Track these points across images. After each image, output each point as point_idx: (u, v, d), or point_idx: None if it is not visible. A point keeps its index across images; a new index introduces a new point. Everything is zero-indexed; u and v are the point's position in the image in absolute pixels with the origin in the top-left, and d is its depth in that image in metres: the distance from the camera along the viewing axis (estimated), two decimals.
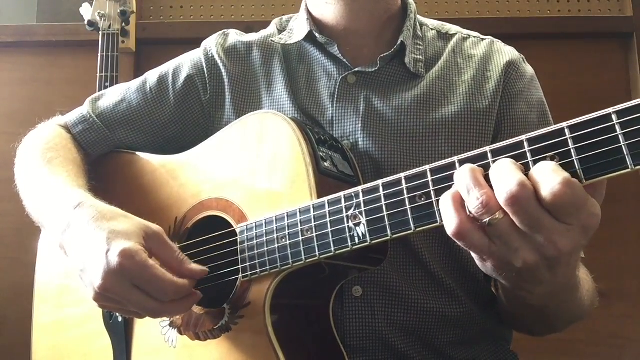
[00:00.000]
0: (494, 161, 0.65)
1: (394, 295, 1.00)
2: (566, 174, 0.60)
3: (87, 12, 1.90)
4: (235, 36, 1.22)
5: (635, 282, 2.03)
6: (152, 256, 0.83)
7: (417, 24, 1.16)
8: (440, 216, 0.69)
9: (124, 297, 0.82)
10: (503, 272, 0.68)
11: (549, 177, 0.60)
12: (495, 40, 1.17)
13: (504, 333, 1.12)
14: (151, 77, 1.20)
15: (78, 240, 0.88)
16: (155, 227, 0.87)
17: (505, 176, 0.62)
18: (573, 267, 0.75)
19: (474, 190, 0.63)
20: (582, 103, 1.98)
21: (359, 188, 0.78)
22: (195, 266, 0.87)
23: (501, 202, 0.62)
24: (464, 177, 0.65)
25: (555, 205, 0.60)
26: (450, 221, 0.65)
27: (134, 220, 0.88)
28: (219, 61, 1.17)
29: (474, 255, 0.68)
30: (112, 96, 1.21)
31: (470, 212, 0.64)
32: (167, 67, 1.21)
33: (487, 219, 0.63)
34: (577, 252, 0.68)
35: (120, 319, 1.03)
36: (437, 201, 0.69)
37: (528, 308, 0.88)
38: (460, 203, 0.65)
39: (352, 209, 0.77)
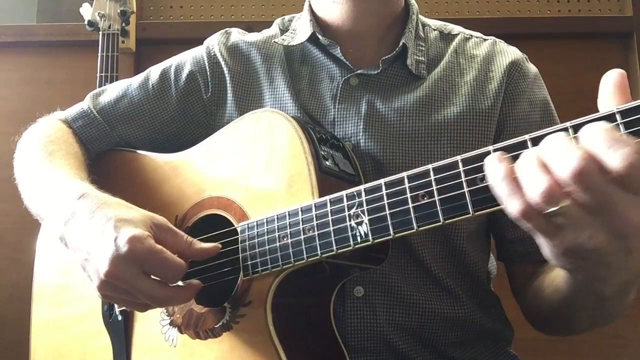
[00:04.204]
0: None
1: (395, 295, 1.00)
2: (630, 141, 0.54)
3: (87, 12, 1.90)
4: (237, 35, 1.22)
5: None
6: (160, 243, 0.83)
7: (420, 25, 1.16)
8: (443, 215, 0.69)
9: (132, 284, 0.82)
10: (576, 259, 0.63)
11: (612, 145, 0.54)
12: (497, 40, 1.17)
13: (504, 333, 1.12)
14: (153, 73, 1.20)
15: (83, 228, 0.87)
16: (160, 217, 0.88)
17: (563, 153, 0.56)
18: None
19: (536, 176, 0.57)
20: (582, 103, 1.97)
21: (361, 187, 0.78)
22: (205, 245, 0.88)
23: (564, 181, 0.56)
24: (525, 161, 0.59)
25: (626, 176, 0.54)
26: (512, 204, 0.59)
27: (139, 210, 0.88)
28: (221, 59, 1.17)
29: (541, 242, 0.63)
30: (113, 92, 1.20)
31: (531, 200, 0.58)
32: (170, 64, 1.20)
33: (552, 209, 0.57)
34: None
35: (119, 317, 1.03)
36: (440, 200, 0.69)
37: (598, 303, 0.81)
38: (520, 184, 0.59)
39: (354, 207, 0.77)
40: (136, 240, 0.80)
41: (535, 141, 0.62)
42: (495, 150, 0.65)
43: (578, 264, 0.65)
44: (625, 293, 0.77)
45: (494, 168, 0.61)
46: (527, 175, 0.58)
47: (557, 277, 0.91)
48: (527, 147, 0.62)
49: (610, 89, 0.59)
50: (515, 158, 0.61)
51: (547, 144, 0.58)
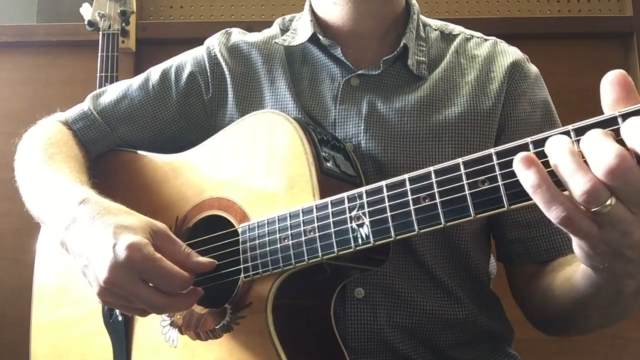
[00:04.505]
0: (498, 163, 0.65)
1: (395, 297, 1.00)
2: None
3: (87, 12, 1.90)
4: (238, 35, 1.22)
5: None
6: (158, 251, 0.83)
7: (420, 25, 1.16)
8: (444, 217, 0.69)
9: (130, 292, 0.82)
10: (613, 260, 0.62)
11: None
12: (498, 40, 1.17)
13: (505, 334, 1.12)
14: (154, 74, 1.20)
15: (83, 235, 0.87)
16: (160, 224, 0.87)
17: (601, 148, 0.55)
18: None
19: (577, 175, 0.56)
20: (582, 103, 1.98)
21: (363, 189, 0.77)
22: (202, 259, 0.87)
23: (601, 178, 0.55)
24: (563, 159, 0.57)
25: None
26: (552, 208, 0.58)
27: (139, 217, 0.88)
28: (221, 59, 1.17)
29: (579, 242, 0.63)
30: (113, 93, 1.20)
31: (574, 199, 0.57)
32: (170, 64, 1.20)
33: (598, 208, 0.56)
34: None
35: (120, 317, 1.03)
36: (442, 202, 0.69)
37: (615, 297, 0.80)
38: (557, 189, 0.58)
39: (356, 209, 0.77)
40: (134, 248, 0.80)
41: (537, 144, 0.62)
42: (497, 153, 0.65)
43: (611, 263, 0.64)
44: None
45: (527, 174, 0.59)
46: (567, 174, 0.57)
47: (573, 275, 0.89)
48: (528, 150, 0.62)
49: (611, 91, 0.58)
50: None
51: (583, 140, 0.57)
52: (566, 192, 0.58)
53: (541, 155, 0.60)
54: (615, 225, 0.58)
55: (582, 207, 0.57)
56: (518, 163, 0.59)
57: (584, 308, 0.89)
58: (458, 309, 1.03)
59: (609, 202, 0.55)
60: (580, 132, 0.59)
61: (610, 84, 0.58)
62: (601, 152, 0.55)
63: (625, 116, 0.56)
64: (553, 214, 0.58)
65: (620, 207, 0.56)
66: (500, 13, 2.26)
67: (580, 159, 0.57)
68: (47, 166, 1.05)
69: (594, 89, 0.62)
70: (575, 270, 0.88)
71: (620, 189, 0.55)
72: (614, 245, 0.60)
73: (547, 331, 1.06)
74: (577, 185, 0.56)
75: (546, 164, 0.59)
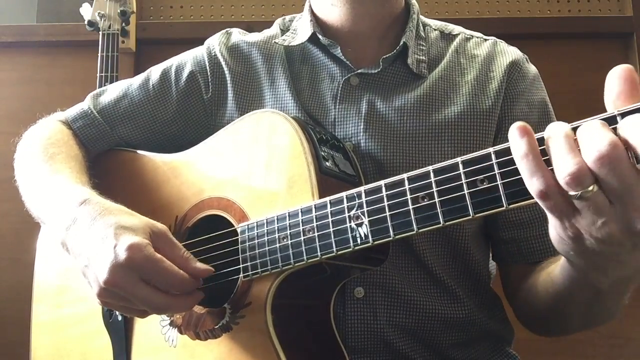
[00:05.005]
0: (497, 162, 0.65)
1: (395, 296, 1.00)
2: None
3: (87, 12, 1.90)
4: (238, 35, 1.22)
5: None
6: (158, 253, 0.83)
7: (420, 25, 1.16)
8: (443, 216, 0.69)
9: (130, 292, 0.82)
10: (581, 246, 0.63)
11: None
12: (498, 40, 1.17)
13: (505, 334, 1.11)
14: (154, 73, 1.20)
15: (83, 235, 0.87)
16: (160, 225, 0.88)
17: (595, 135, 0.55)
18: None
19: (567, 156, 0.56)
20: (582, 103, 1.97)
21: (362, 188, 0.77)
22: (200, 265, 0.87)
23: (589, 163, 0.55)
24: (557, 139, 0.58)
25: None
26: (533, 179, 0.59)
27: (140, 218, 0.88)
28: (221, 59, 1.17)
29: (553, 221, 0.63)
30: (113, 92, 1.20)
31: (557, 179, 0.58)
32: (170, 64, 1.20)
33: (578, 192, 0.56)
34: None
35: (119, 317, 1.03)
36: (440, 202, 0.69)
37: (593, 295, 0.81)
38: (543, 162, 0.59)
39: (355, 209, 0.77)
40: (135, 248, 0.80)
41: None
42: (495, 152, 0.65)
43: (581, 251, 0.65)
44: (622, 290, 0.79)
45: (519, 142, 0.60)
46: (556, 153, 0.58)
47: (553, 270, 0.90)
48: None
49: (616, 85, 0.58)
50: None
51: (580, 128, 0.57)
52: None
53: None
54: (592, 212, 0.58)
55: (563, 187, 0.57)
56: (513, 129, 0.60)
57: (563, 306, 0.90)
58: (458, 308, 1.03)
59: (591, 188, 0.56)
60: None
61: (616, 78, 0.58)
62: (595, 138, 0.55)
63: (624, 114, 0.56)
64: (534, 186, 0.59)
65: (601, 195, 0.57)
66: (500, 13, 2.26)
67: (573, 143, 0.57)
68: (47, 166, 1.05)
69: (594, 89, 0.62)
70: (556, 265, 0.88)
71: (605, 178, 0.55)
72: (584, 233, 0.61)
73: (535, 330, 1.07)
74: (565, 165, 0.56)
75: (543, 153, 0.59)
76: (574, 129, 0.58)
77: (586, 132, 0.56)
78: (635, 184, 0.55)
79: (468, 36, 1.17)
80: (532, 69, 1.14)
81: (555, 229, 0.64)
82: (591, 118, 0.58)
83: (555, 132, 0.59)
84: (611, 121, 0.57)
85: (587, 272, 0.73)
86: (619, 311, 0.89)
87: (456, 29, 1.19)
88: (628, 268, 0.68)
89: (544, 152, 0.59)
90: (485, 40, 1.17)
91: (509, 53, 1.13)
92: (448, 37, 1.17)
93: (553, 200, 0.59)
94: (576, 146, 0.57)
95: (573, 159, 0.56)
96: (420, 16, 1.18)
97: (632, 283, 0.78)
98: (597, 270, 0.70)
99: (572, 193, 0.57)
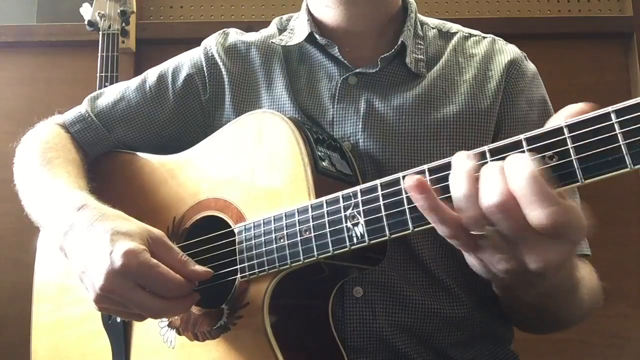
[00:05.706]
0: (492, 160, 0.65)
1: (394, 296, 1.00)
2: (555, 197, 0.58)
3: (87, 12, 1.91)
4: (235, 35, 1.22)
5: (635, 282, 2.02)
6: (155, 258, 0.83)
7: (418, 23, 1.16)
8: None
9: (126, 298, 0.82)
10: (491, 273, 0.69)
11: (539, 200, 0.58)
12: (496, 38, 1.17)
13: (505, 333, 1.11)
14: (151, 75, 1.20)
15: (80, 241, 0.88)
16: (157, 230, 0.88)
17: (493, 181, 0.60)
18: (568, 271, 0.75)
19: (466, 200, 0.63)
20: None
21: (357, 188, 0.77)
22: (198, 267, 0.87)
23: (484, 209, 0.61)
24: (459, 184, 0.63)
25: (548, 229, 0.58)
26: (441, 227, 0.65)
27: (137, 223, 0.88)
28: (218, 60, 1.17)
29: (464, 253, 0.70)
30: (111, 95, 1.20)
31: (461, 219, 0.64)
32: (167, 66, 1.20)
33: (477, 233, 0.63)
34: (568, 261, 0.68)
35: (119, 319, 1.03)
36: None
37: (524, 305, 0.88)
38: (447, 210, 0.65)
39: (351, 208, 0.77)
40: (131, 254, 0.80)
41: (530, 141, 0.62)
42: (490, 150, 0.65)
43: (492, 277, 0.71)
44: (555, 300, 0.83)
45: (418, 198, 0.65)
46: (456, 195, 0.63)
47: None
48: (522, 147, 0.63)
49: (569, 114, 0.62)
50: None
51: (483, 169, 0.62)
52: None
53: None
54: (491, 249, 0.65)
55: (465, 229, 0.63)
56: (410, 188, 0.65)
57: (517, 311, 1.00)
58: (457, 307, 1.03)
59: (488, 229, 0.62)
60: (573, 128, 0.60)
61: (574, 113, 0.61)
62: (492, 185, 0.60)
63: (618, 112, 0.57)
64: (443, 232, 0.65)
65: (498, 237, 0.62)
66: (500, 13, 2.26)
67: (473, 186, 0.62)
68: (45, 171, 1.05)
69: (594, 89, 0.63)
70: None
71: (498, 223, 0.61)
72: (489, 264, 0.67)
73: (519, 329, 1.12)
74: (464, 210, 0.63)
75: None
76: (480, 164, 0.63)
77: (486, 177, 0.61)
78: (527, 230, 0.60)
79: (466, 34, 1.17)
80: (531, 66, 1.14)
81: (466, 259, 0.71)
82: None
83: (457, 170, 0.64)
84: (606, 118, 0.58)
85: (508, 289, 0.80)
86: (583, 311, 0.95)
87: (454, 27, 1.19)
88: (543, 287, 0.72)
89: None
90: (484, 38, 1.16)
91: (507, 51, 1.13)
92: (446, 36, 1.16)
93: (460, 240, 0.65)
94: (476, 183, 0.62)
95: (472, 204, 0.62)
96: (418, 15, 1.18)
97: (561, 295, 0.82)
98: (517, 289, 0.75)
99: (472, 232, 0.63)
